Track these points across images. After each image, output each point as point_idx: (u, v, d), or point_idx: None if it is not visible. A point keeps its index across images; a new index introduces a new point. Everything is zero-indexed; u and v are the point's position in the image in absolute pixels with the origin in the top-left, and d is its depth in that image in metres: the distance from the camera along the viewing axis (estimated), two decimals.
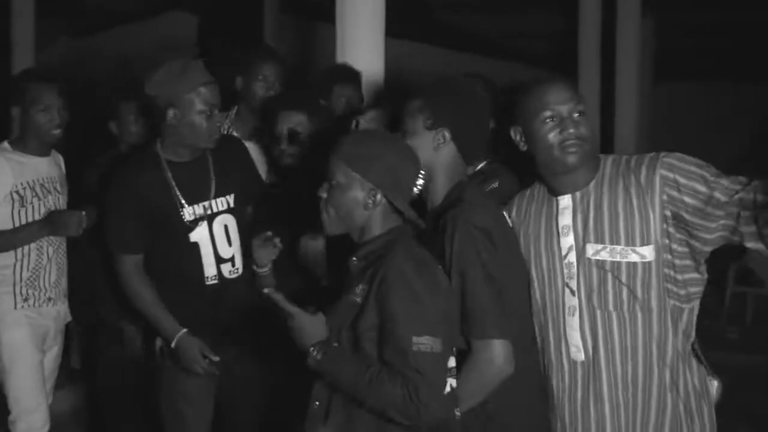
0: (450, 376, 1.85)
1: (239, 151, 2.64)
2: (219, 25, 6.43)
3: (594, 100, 6.13)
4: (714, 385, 2.05)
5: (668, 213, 1.91)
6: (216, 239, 2.57)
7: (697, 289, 1.98)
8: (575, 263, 1.98)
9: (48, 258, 2.87)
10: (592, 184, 1.99)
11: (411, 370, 1.72)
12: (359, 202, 1.87)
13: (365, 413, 1.79)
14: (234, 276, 2.60)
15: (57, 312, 2.94)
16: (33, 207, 2.83)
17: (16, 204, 2.80)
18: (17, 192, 2.80)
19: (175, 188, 2.52)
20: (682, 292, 1.96)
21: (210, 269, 2.56)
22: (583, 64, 6.15)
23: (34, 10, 5.68)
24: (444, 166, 2.02)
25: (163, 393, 2.63)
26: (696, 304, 2.00)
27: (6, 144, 2.85)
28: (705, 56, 7.97)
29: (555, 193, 2.03)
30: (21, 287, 2.83)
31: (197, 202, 2.55)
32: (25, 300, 2.83)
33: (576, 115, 1.93)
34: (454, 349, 1.89)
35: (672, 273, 1.94)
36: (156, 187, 2.52)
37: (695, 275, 1.96)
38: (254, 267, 2.49)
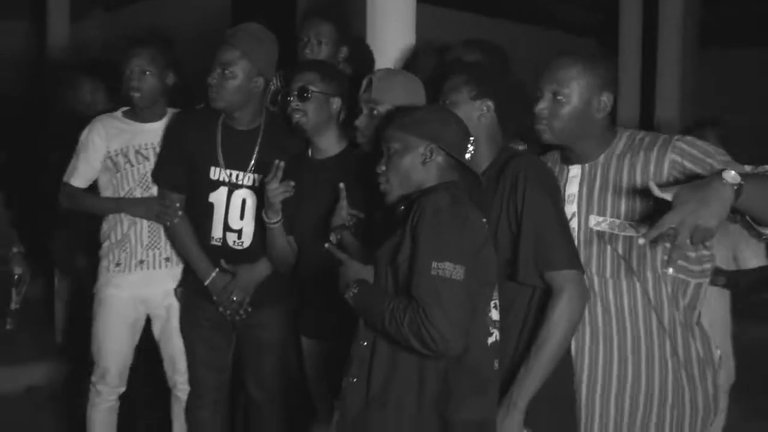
0: (494, 328, 1.92)
1: (290, 134, 2.64)
2: None
3: (635, 69, 5.96)
4: (717, 353, 2.11)
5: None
6: (230, 208, 2.69)
7: (709, 266, 2.05)
8: (576, 230, 2.08)
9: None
10: (602, 157, 2.09)
11: (426, 294, 1.75)
12: (417, 160, 1.97)
13: (409, 355, 1.82)
14: (237, 248, 2.72)
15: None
16: (126, 173, 2.89)
17: (111, 170, 2.90)
18: (110, 158, 2.89)
19: (219, 147, 2.66)
20: (696, 267, 2.03)
21: (216, 232, 2.71)
22: (624, 31, 5.98)
23: None
24: (486, 136, 2.14)
25: (181, 324, 2.88)
26: (706, 281, 2.06)
27: (119, 111, 2.96)
28: (753, 23, 7.69)
29: (567, 161, 2.14)
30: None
31: (231, 168, 2.68)
32: (117, 264, 2.95)
33: (559, 97, 2.04)
34: (496, 302, 1.92)
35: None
36: (203, 138, 2.68)
37: (704, 252, 2.03)
38: (265, 217, 2.47)
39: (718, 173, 1.71)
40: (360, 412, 1.88)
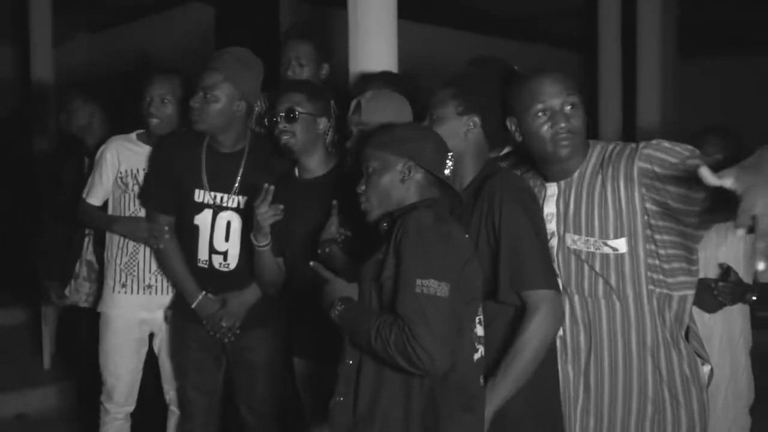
0: (479, 344, 1.92)
1: (274, 155, 2.68)
2: (236, 15, 6.42)
3: (615, 78, 6.02)
4: (705, 370, 2.06)
5: (649, 206, 1.92)
6: (215, 230, 2.72)
7: (687, 279, 1.99)
8: (555, 249, 2.06)
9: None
10: (575, 174, 2.04)
11: (411, 311, 1.74)
12: (396, 178, 1.97)
13: (395, 373, 1.82)
14: (223, 269, 2.75)
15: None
16: (132, 195, 2.98)
17: (120, 190, 3.00)
18: (121, 179, 2.99)
19: (204, 169, 2.70)
20: (671, 280, 1.98)
21: (202, 254, 2.74)
22: (603, 41, 6.03)
23: (52, 5, 5.71)
24: (472, 151, 2.13)
25: (170, 346, 2.91)
26: (690, 293, 2.01)
27: (134, 134, 3.05)
28: (733, 29, 7.77)
29: (546, 179, 2.10)
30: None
31: (216, 190, 2.71)
32: (123, 285, 3.02)
33: (568, 108, 1.98)
34: (480, 318, 1.91)
35: (657, 262, 1.97)
36: (188, 160, 2.72)
37: (683, 264, 1.98)
38: (254, 240, 2.49)
39: (764, 150, 1.55)
40: (348, 431, 1.88)
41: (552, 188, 2.08)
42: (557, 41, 8.16)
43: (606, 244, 1.98)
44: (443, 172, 2.00)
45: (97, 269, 3.35)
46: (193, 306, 2.74)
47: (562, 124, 1.97)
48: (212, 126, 2.65)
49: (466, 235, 1.94)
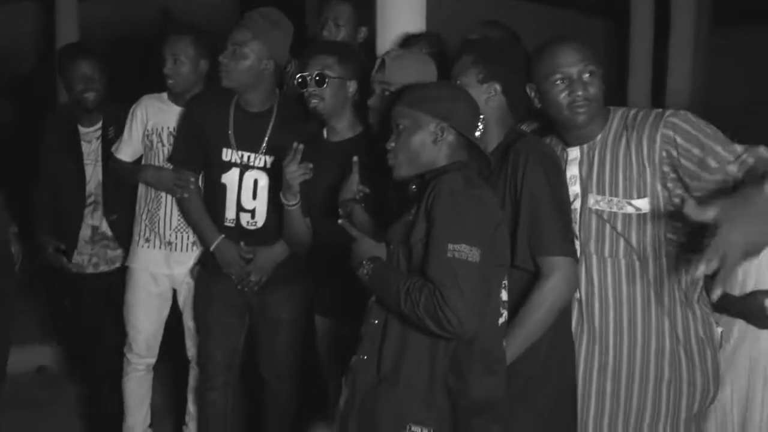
0: (503, 309, 1.93)
1: (302, 117, 2.69)
2: None
3: (647, 46, 5.90)
4: (718, 332, 2.11)
5: (666, 169, 1.99)
6: (243, 188, 2.73)
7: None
8: (578, 211, 2.10)
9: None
10: (599, 138, 2.10)
11: (443, 276, 1.76)
12: (428, 139, 1.96)
13: (421, 335, 1.84)
14: (251, 227, 2.77)
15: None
16: (157, 152, 3.03)
17: (147, 147, 3.06)
18: (147, 136, 3.05)
19: (231, 128, 2.70)
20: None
21: (230, 212, 2.76)
22: (636, 8, 5.91)
23: None
24: (495, 118, 2.14)
25: (195, 301, 2.92)
26: None
27: (165, 93, 3.07)
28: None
29: (566, 144, 2.15)
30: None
31: (243, 149, 2.72)
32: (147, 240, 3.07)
33: (586, 75, 2.05)
34: (505, 282, 1.94)
35: (681, 224, 2.00)
36: (216, 120, 2.73)
37: None
38: (283, 199, 2.48)
39: (759, 185, 1.64)
40: (370, 389, 1.89)
41: (574, 152, 2.14)
42: (587, 7, 8.00)
43: (630, 204, 2.04)
44: (474, 135, 1.99)
45: (107, 234, 3.34)
46: (211, 248, 2.77)
47: (579, 92, 2.05)
48: (239, 83, 2.65)
49: (495, 199, 1.93)
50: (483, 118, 2.04)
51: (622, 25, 6.30)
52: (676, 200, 2.01)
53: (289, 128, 2.67)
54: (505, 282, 1.96)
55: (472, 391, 1.85)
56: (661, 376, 2.06)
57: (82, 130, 3.32)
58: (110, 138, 3.27)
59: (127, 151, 3.11)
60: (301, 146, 2.39)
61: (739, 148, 1.95)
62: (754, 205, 1.61)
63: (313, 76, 2.48)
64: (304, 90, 2.51)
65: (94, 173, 3.31)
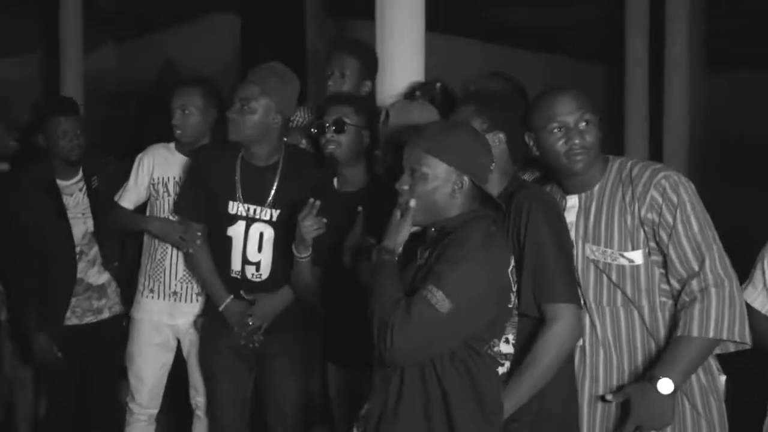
0: (506, 360, 1.96)
1: (307, 168, 2.75)
2: (262, 25, 6.47)
3: (642, 91, 5.97)
4: (722, 380, 2.10)
5: (647, 229, 2.03)
6: (248, 241, 2.75)
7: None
8: (575, 258, 2.10)
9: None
10: (596, 188, 2.12)
11: (407, 306, 1.80)
12: (446, 189, 1.94)
13: (412, 383, 1.87)
14: (256, 280, 2.78)
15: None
16: (163, 202, 3.04)
17: (153, 197, 3.07)
18: (153, 186, 3.07)
19: (238, 182, 2.72)
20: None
21: (236, 265, 2.76)
22: (630, 54, 6.00)
23: (82, 14, 5.79)
24: (498, 166, 2.12)
25: (201, 352, 2.90)
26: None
27: (173, 143, 3.10)
28: (763, 42, 7.68)
29: (565, 191, 2.17)
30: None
31: (250, 202, 2.74)
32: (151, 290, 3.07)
33: (582, 124, 2.07)
34: (511, 336, 1.97)
35: (667, 274, 2.04)
36: (223, 172, 2.75)
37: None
38: (295, 252, 2.51)
39: (654, 385, 1.94)
40: (372, 428, 1.91)
41: (572, 200, 2.15)
42: (580, 54, 8.13)
43: (623, 256, 2.05)
44: (486, 183, 2.00)
45: (92, 285, 3.32)
46: (221, 309, 2.77)
47: (576, 141, 2.06)
48: (247, 137, 2.68)
49: (506, 257, 1.94)
50: (493, 165, 2.05)
51: (616, 70, 6.39)
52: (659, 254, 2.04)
53: (295, 180, 2.71)
54: (510, 336, 1.97)
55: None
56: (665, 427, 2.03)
57: (61, 183, 3.31)
58: (95, 188, 3.27)
59: (130, 198, 3.11)
60: (318, 202, 2.42)
61: (694, 258, 1.98)
62: (652, 406, 1.95)
63: (332, 122, 2.54)
64: (321, 136, 2.57)
65: (83, 227, 3.30)
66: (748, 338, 1.98)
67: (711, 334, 1.94)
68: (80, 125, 3.26)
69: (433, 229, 1.97)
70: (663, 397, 1.94)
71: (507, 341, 1.96)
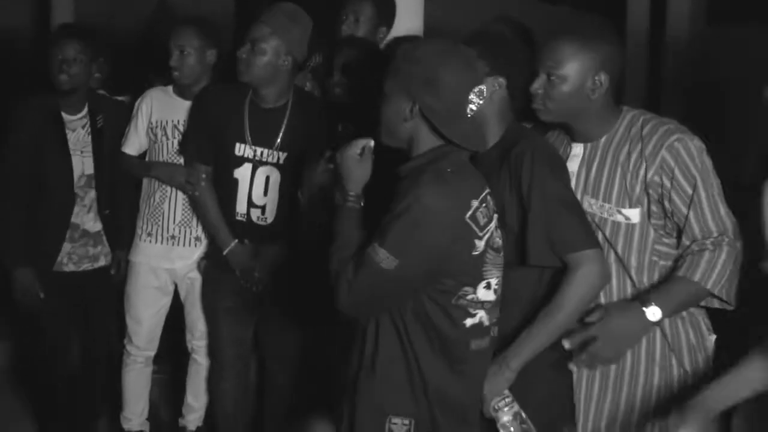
0: (483, 309, 1.91)
1: (315, 114, 2.74)
2: None
3: (643, 43, 5.91)
4: (712, 340, 2.13)
5: (651, 192, 2.00)
6: (254, 184, 2.75)
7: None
8: None
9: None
10: (603, 140, 2.08)
11: (355, 261, 1.81)
12: (399, 114, 1.86)
13: (388, 334, 1.89)
14: (261, 223, 2.80)
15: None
16: (162, 145, 3.04)
17: (151, 141, 3.06)
18: (152, 129, 3.08)
19: (247, 124, 2.71)
20: (673, 251, 2.06)
21: (241, 207, 2.78)
22: (631, 7, 5.92)
23: None
24: (497, 112, 2.11)
25: (203, 294, 2.96)
26: None
27: (171, 86, 3.07)
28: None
29: (573, 139, 2.13)
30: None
31: (257, 145, 2.74)
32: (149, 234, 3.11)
33: (552, 77, 2.01)
34: (493, 281, 1.92)
35: (666, 237, 2.05)
36: (231, 114, 2.74)
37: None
38: (299, 195, 2.51)
39: (640, 307, 1.95)
40: (351, 381, 1.93)
41: (577, 148, 2.12)
42: (581, 3, 8.00)
43: (620, 212, 2.04)
44: (458, 117, 1.88)
45: (89, 232, 3.26)
46: (225, 253, 2.79)
47: (537, 88, 2.05)
48: (257, 78, 2.67)
49: (484, 193, 1.88)
50: (478, 91, 1.96)
51: (617, 22, 6.31)
52: (660, 215, 2.03)
53: (303, 124, 2.71)
54: (492, 281, 1.93)
55: (441, 391, 1.87)
56: (651, 381, 2.07)
57: (66, 117, 3.17)
58: (100, 127, 3.18)
59: (134, 145, 3.12)
60: (329, 154, 2.40)
61: (715, 227, 1.96)
62: (626, 325, 1.96)
63: (339, 66, 2.56)
64: (329, 79, 2.59)
65: (80, 166, 3.19)
66: (733, 300, 2.01)
67: (709, 286, 1.96)
68: (79, 54, 3.06)
69: (401, 169, 1.92)
70: (645, 322, 1.94)
71: (488, 286, 1.93)
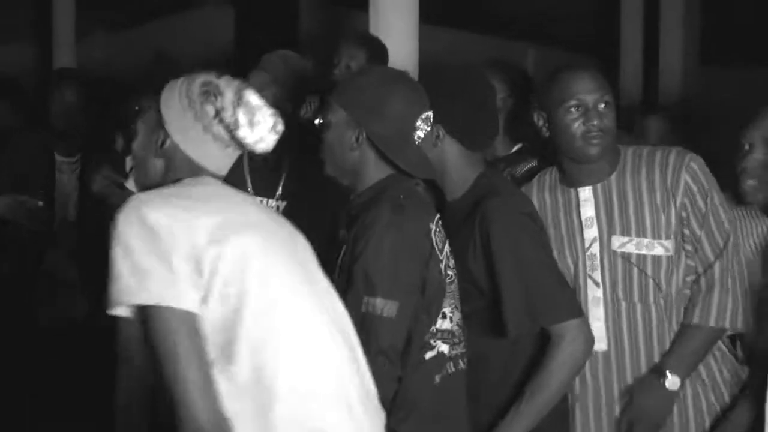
0: (440, 340, 1.79)
1: (314, 163, 2.69)
2: (256, 16, 6.43)
3: (637, 85, 5.98)
4: (746, 372, 2.06)
5: (683, 214, 1.94)
6: None
7: None
8: (598, 255, 1.98)
9: None
10: (614, 176, 1.98)
11: (360, 330, 1.62)
12: (345, 143, 1.77)
13: None
14: None
15: None
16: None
17: None
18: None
19: (247, 174, 2.68)
20: None
21: None
22: (625, 47, 6.00)
23: (75, 2, 5.75)
24: (451, 161, 1.96)
25: None
26: None
27: None
28: (758, 37, 7.67)
29: (573, 183, 2.01)
30: None
31: (259, 195, 2.69)
32: None
33: (602, 106, 1.93)
34: (447, 310, 1.81)
35: (695, 266, 1.98)
36: (233, 168, 2.64)
37: None
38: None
39: (658, 380, 1.91)
40: None
41: (586, 192, 2.01)
42: (573, 45, 8.11)
43: (660, 244, 1.94)
44: (407, 145, 1.77)
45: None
46: None
47: (595, 122, 1.93)
48: None
49: (436, 218, 1.80)
50: (426, 117, 1.81)
51: (609, 62, 6.38)
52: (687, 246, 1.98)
53: (304, 174, 2.69)
54: (447, 310, 1.81)
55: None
56: (687, 422, 1.99)
57: (58, 158, 3.21)
58: (89, 170, 3.14)
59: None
60: None
61: (720, 236, 1.92)
62: (654, 403, 1.92)
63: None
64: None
65: (60, 210, 3.19)
66: (749, 325, 1.97)
67: (727, 324, 1.92)
68: (75, 97, 3.13)
69: (351, 205, 1.82)
70: (667, 394, 1.90)
71: (444, 316, 1.81)
